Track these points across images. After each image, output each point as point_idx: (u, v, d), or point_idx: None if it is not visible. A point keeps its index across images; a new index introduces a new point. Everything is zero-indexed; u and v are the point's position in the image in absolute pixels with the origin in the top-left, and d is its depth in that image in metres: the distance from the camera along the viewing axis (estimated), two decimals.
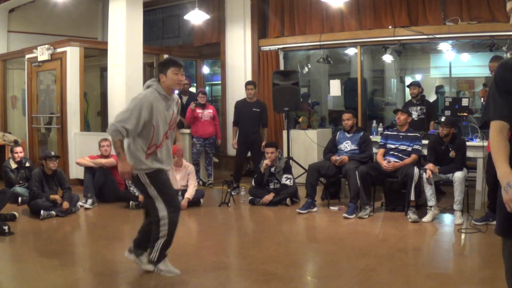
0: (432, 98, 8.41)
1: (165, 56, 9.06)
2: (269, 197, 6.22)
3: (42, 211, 5.60)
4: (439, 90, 8.80)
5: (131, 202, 6.18)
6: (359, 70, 8.14)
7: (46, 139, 8.89)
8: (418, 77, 9.52)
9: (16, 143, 7.53)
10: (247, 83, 7.37)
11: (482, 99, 5.11)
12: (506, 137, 2.00)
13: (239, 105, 7.37)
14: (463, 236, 4.79)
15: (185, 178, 6.28)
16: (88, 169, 6.49)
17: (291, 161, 7.05)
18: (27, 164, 6.92)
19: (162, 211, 3.47)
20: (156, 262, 3.54)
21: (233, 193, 6.54)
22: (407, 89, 8.43)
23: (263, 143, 7.04)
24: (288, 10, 8.48)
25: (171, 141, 3.71)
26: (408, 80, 9.18)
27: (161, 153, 3.54)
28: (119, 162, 3.43)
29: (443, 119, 5.48)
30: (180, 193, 6.17)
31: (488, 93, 2.12)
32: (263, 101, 7.65)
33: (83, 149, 7.58)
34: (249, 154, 7.43)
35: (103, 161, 6.48)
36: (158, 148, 3.51)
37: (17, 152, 6.83)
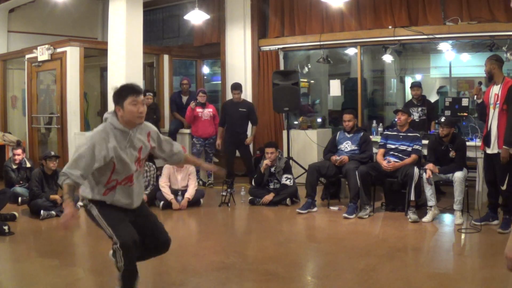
0: (433, 98, 8.40)
1: (165, 56, 9.08)
2: (269, 197, 6.22)
3: (42, 211, 5.61)
4: (440, 90, 8.80)
5: None
6: (359, 70, 8.13)
7: (46, 139, 8.88)
8: (418, 77, 9.51)
9: (18, 144, 7.50)
10: (234, 88, 7.38)
11: (475, 96, 5.08)
12: None
13: (226, 106, 7.51)
14: (463, 236, 4.79)
15: (186, 179, 6.30)
16: None
17: (291, 161, 7.06)
18: (28, 165, 6.92)
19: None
20: None
21: (228, 191, 6.36)
22: (407, 89, 8.43)
23: (247, 139, 7.38)
24: (288, 10, 8.47)
25: (140, 185, 3.13)
26: (408, 80, 9.17)
27: (119, 194, 2.97)
28: (65, 208, 2.82)
29: (443, 119, 5.48)
30: (180, 193, 6.22)
31: None
32: (263, 101, 7.65)
33: None
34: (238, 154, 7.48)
35: None
36: (119, 185, 2.94)
37: (15, 155, 6.82)
